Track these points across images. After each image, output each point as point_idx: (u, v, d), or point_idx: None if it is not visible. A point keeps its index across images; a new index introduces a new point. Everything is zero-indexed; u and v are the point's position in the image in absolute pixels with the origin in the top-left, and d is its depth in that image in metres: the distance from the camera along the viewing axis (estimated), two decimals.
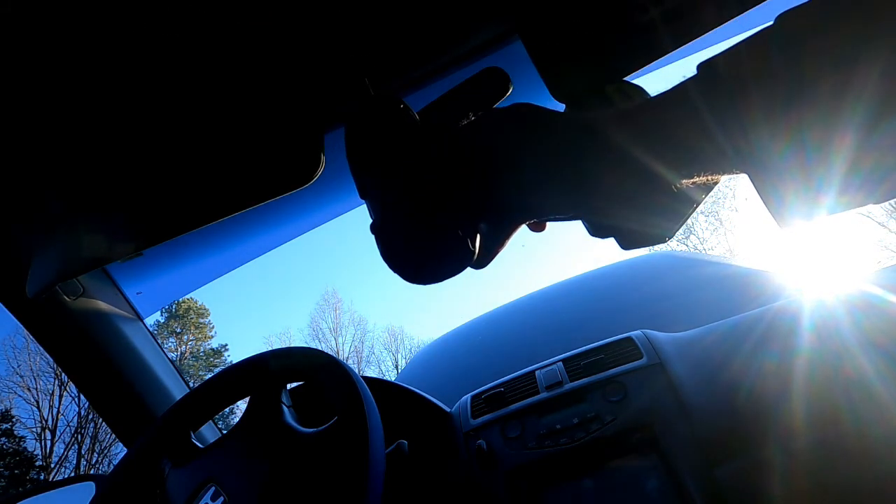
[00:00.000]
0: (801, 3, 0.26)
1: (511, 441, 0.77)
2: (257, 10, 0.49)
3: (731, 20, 0.49)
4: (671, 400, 0.71)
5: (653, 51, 0.51)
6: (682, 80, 0.31)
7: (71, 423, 14.22)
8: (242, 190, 0.63)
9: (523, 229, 0.38)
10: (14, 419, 13.73)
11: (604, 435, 0.71)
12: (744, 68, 0.27)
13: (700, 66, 0.30)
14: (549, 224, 0.39)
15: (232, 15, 0.48)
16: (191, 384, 0.97)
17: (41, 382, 14.31)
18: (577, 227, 0.39)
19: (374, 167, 0.39)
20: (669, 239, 0.36)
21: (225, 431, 0.73)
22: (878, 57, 0.23)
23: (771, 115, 0.26)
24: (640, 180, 0.30)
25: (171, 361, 0.98)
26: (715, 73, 0.28)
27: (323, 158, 0.60)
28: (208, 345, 19.52)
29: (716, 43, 0.88)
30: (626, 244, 0.38)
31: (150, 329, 0.98)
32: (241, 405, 0.69)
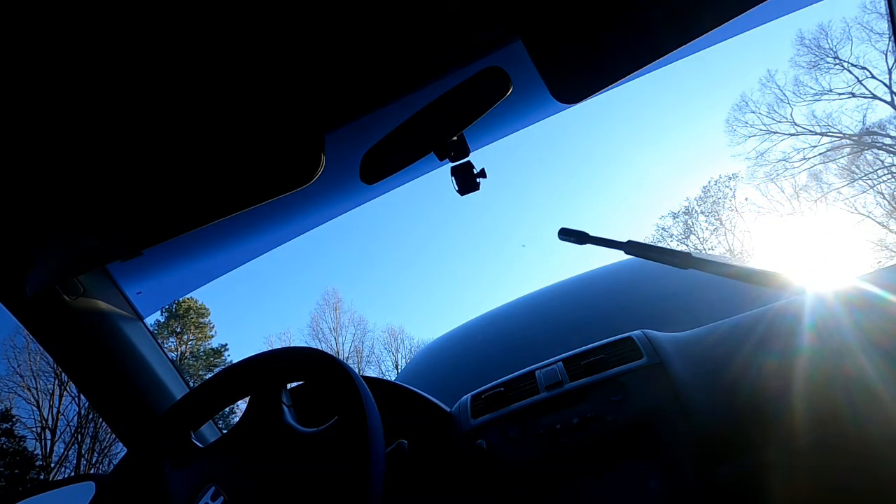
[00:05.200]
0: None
1: (511, 441, 0.76)
2: (259, 12, 0.48)
3: (731, 20, 0.49)
4: (671, 400, 0.71)
5: (653, 51, 0.51)
6: None
7: (71, 423, 14.22)
8: (242, 190, 0.63)
9: None
10: (14, 419, 13.73)
11: (604, 435, 0.71)
12: None
13: None
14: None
15: (234, 15, 0.48)
16: (191, 384, 0.97)
17: (41, 382, 14.32)
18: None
19: None
20: None
21: (225, 431, 0.73)
22: None
23: None
24: None
25: (171, 361, 0.98)
26: None
27: (323, 158, 0.60)
28: (208, 345, 19.52)
29: (716, 43, 0.88)
30: None
31: (150, 329, 0.97)
32: (241, 405, 0.69)
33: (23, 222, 0.71)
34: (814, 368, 0.64)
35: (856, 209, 13.81)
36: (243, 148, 0.64)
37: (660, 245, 0.52)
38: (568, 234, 0.60)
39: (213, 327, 19.69)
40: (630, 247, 0.54)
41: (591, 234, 0.61)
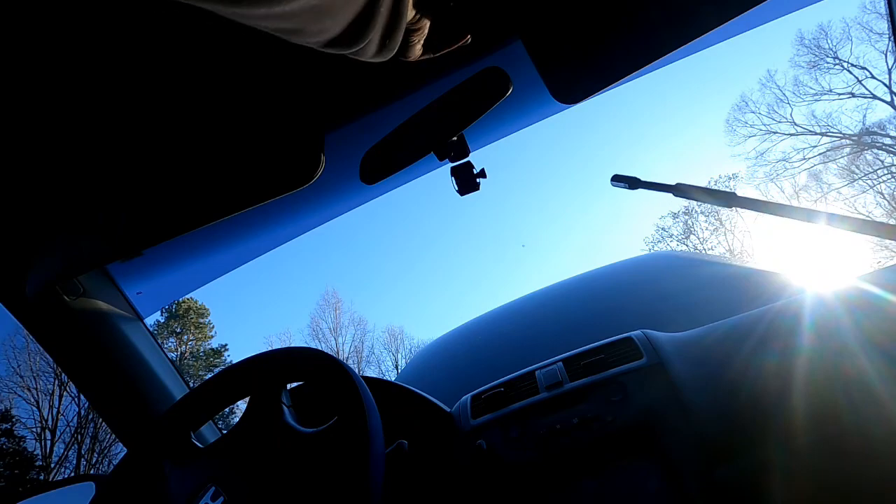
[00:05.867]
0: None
1: (511, 441, 0.77)
2: None
3: (731, 20, 0.49)
4: (671, 400, 0.71)
5: (653, 51, 0.51)
6: None
7: (71, 423, 14.22)
8: (243, 190, 0.63)
9: None
10: (14, 419, 13.72)
11: (604, 435, 0.71)
12: None
13: None
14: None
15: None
16: (191, 384, 0.97)
17: (41, 382, 14.31)
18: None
19: None
20: None
21: (225, 431, 0.73)
22: None
23: None
24: None
25: (171, 361, 0.98)
26: None
27: (323, 158, 0.60)
28: (208, 345, 19.51)
29: (716, 43, 0.88)
30: None
31: (150, 329, 0.98)
32: (241, 405, 0.69)
33: (23, 222, 0.71)
34: (814, 368, 0.64)
35: (856, 209, 13.81)
36: (244, 148, 0.64)
37: (706, 187, 0.58)
38: (620, 180, 0.64)
39: (212, 327, 19.70)
40: (678, 189, 0.59)
41: (642, 179, 0.65)
